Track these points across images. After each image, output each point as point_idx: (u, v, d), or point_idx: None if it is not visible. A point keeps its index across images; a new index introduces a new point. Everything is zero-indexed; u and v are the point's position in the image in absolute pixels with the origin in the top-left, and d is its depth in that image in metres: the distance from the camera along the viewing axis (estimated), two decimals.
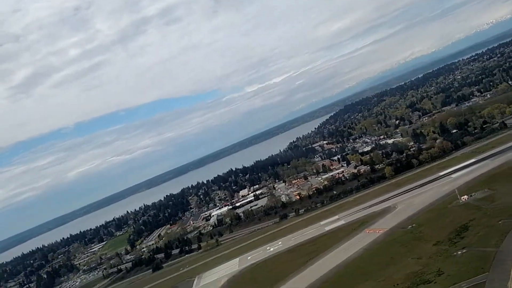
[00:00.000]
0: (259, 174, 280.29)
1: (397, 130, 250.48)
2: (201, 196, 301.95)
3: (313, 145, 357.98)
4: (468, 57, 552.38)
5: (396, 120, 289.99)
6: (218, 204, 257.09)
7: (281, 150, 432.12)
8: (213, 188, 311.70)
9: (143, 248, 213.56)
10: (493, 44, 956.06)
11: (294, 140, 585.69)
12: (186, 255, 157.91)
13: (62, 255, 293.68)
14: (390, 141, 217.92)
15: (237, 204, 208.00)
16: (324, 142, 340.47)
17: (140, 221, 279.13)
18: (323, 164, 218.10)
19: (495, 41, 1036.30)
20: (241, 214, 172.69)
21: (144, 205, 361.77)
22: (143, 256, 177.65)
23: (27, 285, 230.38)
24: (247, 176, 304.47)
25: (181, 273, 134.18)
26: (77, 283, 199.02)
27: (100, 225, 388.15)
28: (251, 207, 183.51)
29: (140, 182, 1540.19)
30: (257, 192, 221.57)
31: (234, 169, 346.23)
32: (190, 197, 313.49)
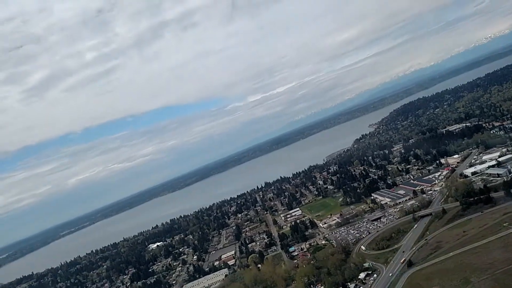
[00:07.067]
0: (445, 148, 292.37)
1: None
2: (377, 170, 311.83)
3: (446, 129, 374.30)
4: None
5: None
6: (416, 174, 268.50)
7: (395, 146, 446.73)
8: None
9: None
10: (495, 60, 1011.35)
11: (361, 137, 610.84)
12: None
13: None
14: None
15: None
16: (466, 123, 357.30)
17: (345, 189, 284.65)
18: None
19: (496, 57, 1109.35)
20: None
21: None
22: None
23: None
24: (413, 152, 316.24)
25: None
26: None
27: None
28: None
29: (151, 187, 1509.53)
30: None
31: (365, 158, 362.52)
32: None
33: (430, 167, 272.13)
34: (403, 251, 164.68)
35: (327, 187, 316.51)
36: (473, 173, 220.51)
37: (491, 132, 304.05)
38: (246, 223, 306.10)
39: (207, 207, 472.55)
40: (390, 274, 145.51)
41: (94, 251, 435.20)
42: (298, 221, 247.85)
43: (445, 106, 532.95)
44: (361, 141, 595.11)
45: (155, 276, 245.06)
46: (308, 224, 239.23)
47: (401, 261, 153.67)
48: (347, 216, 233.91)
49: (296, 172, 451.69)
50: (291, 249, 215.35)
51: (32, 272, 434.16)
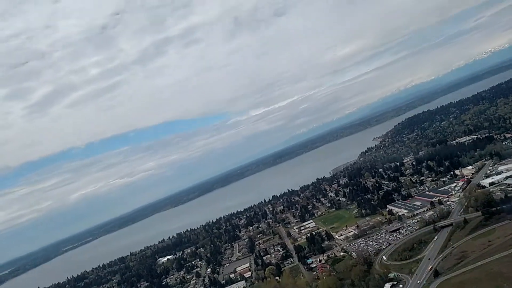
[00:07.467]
0: (458, 159, 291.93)
1: None
2: (389, 182, 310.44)
3: (457, 140, 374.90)
4: None
5: None
6: (431, 185, 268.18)
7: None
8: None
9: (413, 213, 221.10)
10: (495, 74, 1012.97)
11: (366, 150, 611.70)
12: None
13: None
14: None
15: None
16: (476, 134, 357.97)
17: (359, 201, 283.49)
18: None
19: (496, 71, 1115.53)
20: None
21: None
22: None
23: None
24: (425, 164, 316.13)
25: None
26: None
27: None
28: None
29: (153, 201, 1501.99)
30: None
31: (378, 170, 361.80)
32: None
33: (445, 178, 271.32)
34: (429, 259, 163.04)
35: (339, 199, 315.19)
36: (491, 184, 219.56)
37: (504, 143, 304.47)
38: (258, 236, 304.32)
39: (214, 220, 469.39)
40: (418, 282, 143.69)
41: (101, 265, 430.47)
42: (314, 233, 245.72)
43: (451, 119, 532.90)
44: (367, 154, 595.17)
45: None
46: (324, 236, 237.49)
47: (428, 268, 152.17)
48: (364, 227, 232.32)
49: (304, 185, 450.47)
50: (308, 261, 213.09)
51: (38, 287, 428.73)
